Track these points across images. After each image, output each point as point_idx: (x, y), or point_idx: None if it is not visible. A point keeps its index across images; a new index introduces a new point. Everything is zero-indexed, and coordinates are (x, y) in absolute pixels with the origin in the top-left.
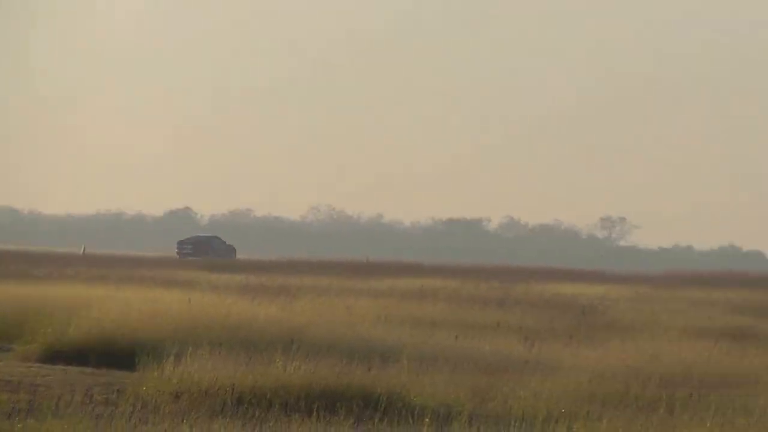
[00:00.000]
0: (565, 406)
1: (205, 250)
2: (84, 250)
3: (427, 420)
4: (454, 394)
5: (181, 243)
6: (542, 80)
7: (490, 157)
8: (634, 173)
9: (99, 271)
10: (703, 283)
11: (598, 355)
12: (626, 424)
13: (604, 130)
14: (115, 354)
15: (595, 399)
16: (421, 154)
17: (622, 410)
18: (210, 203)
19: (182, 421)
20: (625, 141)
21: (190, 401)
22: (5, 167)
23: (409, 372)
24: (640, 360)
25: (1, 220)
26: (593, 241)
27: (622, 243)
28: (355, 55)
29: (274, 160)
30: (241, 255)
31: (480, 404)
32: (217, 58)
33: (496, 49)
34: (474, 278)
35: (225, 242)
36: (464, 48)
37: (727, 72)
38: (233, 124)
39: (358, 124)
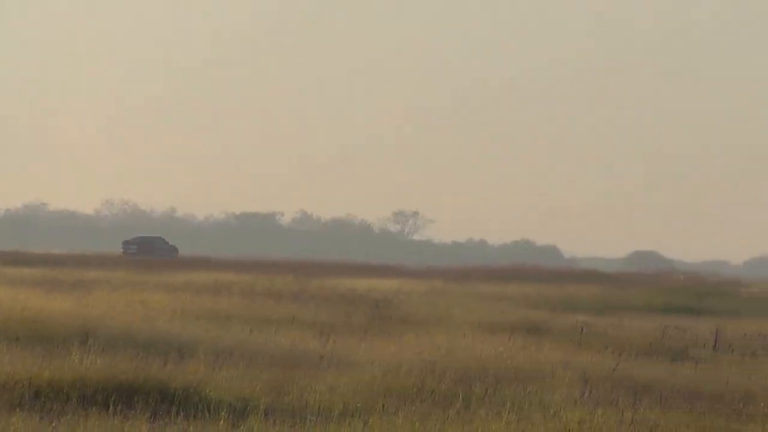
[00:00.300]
0: (360, 400)
1: (149, 250)
2: None
3: (223, 414)
4: (250, 388)
5: (126, 243)
6: (338, 75)
7: (283, 151)
8: (428, 168)
9: None
10: (497, 277)
11: (393, 350)
12: (422, 418)
13: (396, 127)
14: None
15: (391, 393)
16: (213, 148)
17: (418, 404)
18: (4, 197)
19: None
20: (417, 135)
21: None
22: None
23: (205, 366)
24: (435, 354)
25: None
26: (387, 236)
27: (416, 237)
28: (147, 52)
29: (69, 155)
30: (35, 249)
31: (276, 398)
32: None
33: (296, 50)
34: (268, 272)
35: (168, 242)
36: (272, 49)
37: (524, 76)
38: (30, 116)
39: (151, 119)
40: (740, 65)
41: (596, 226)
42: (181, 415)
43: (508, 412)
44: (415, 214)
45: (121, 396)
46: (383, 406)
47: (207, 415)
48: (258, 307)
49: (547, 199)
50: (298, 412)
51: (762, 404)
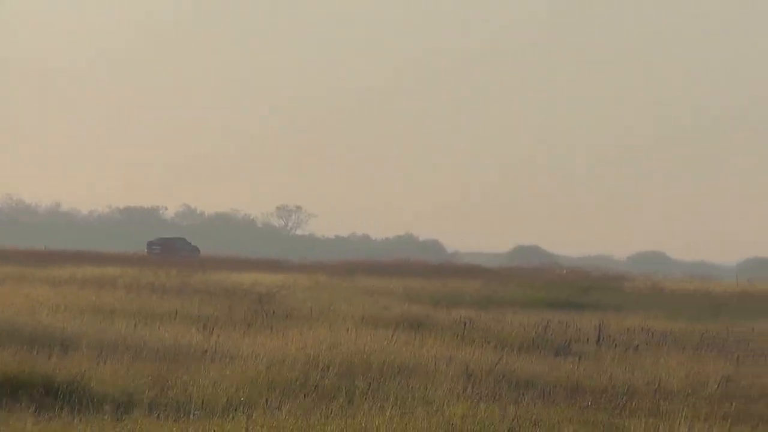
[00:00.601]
0: (244, 394)
1: (172, 250)
2: None
3: (107, 408)
4: (134, 382)
5: (150, 243)
6: (221, 69)
7: (166, 145)
8: (311, 162)
9: None
10: (380, 271)
11: (277, 344)
12: (306, 412)
13: (278, 121)
14: None
15: (275, 387)
16: (98, 142)
17: (302, 399)
18: None
19: None
20: (300, 130)
21: None
22: None
23: (89, 360)
24: (318, 348)
25: None
26: (270, 230)
27: (299, 232)
28: (33, 49)
29: None
30: None
31: (160, 392)
32: None
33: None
34: (152, 266)
35: (190, 243)
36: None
37: (403, 73)
38: None
39: (33, 111)
40: (624, 64)
41: (478, 220)
42: (66, 408)
43: (392, 407)
44: (298, 208)
45: (5, 389)
46: (267, 400)
47: (91, 409)
48: (142, 301)
49: (429, 193)
50: (182, 406)
51: (644, 399)
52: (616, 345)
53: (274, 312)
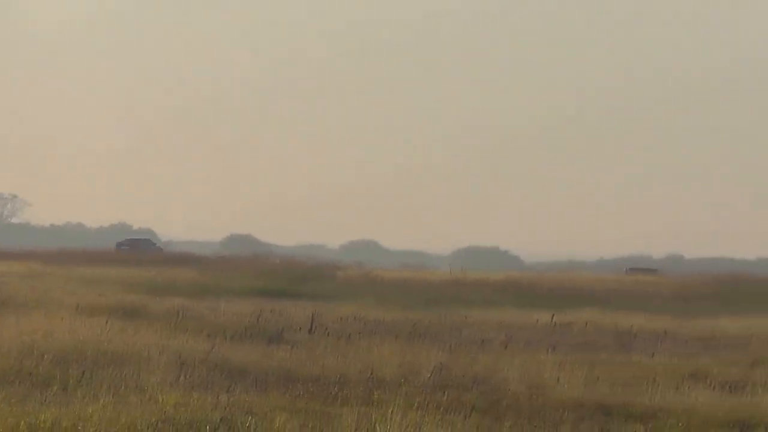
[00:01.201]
0: None
1: (138, 249)
2: None
3: None
4: None
5: (119, 243)
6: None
7: None
8: (27, 150)
9: None
10: (96, 260)
11: None
12: (21, 401)
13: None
14: None
15: None
16: None
17: (17, 386)
18: None
19: None
20: (19, 120)
21: None
22: None
23: None
24: (34, 336)
25: None
26: None
27: (14, 220)
28: None
29: None
30: None
31: None
32: None
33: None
34: None
35: (154, 243)
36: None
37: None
38: None
39: None
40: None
41: (192, 208)
42: None
43: (105, 395)
44: (14, 197)
45: None
46: None
47: None
48: None
49: (142, 181)
50: None
51: (357, 388)
52: (329, 334)
53: None
